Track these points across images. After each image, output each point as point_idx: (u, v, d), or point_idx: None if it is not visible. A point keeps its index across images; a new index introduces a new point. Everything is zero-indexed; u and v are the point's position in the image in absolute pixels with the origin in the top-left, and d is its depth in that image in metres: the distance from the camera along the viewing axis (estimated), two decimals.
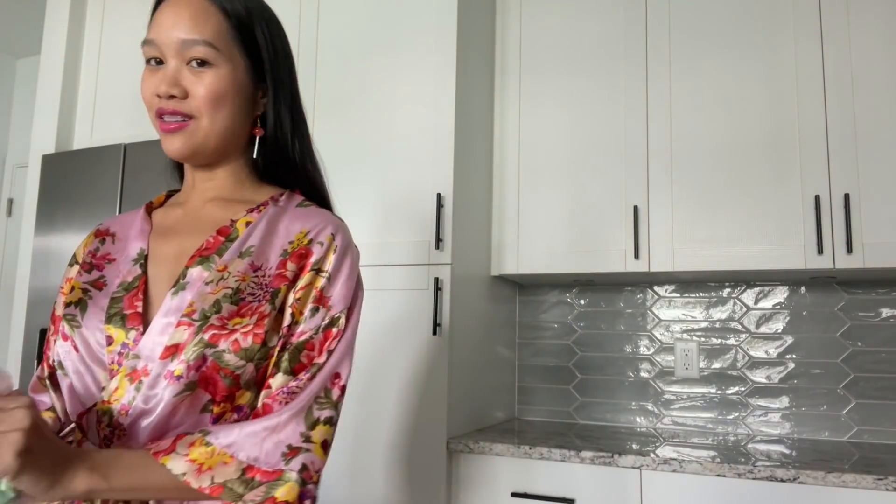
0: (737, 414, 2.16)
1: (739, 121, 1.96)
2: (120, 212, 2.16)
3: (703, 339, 2.23)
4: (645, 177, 2.03)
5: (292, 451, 0.75)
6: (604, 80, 2.12)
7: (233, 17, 0.84)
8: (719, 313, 2.22)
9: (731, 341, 2.19)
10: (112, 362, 0.78)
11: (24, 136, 3.50)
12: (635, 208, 2.01)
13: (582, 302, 2.39)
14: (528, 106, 2.22)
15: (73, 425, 0.78)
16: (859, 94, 1.85)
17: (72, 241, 2.22)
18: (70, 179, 2.28)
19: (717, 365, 2.20)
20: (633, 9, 2.11)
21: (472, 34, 2.09)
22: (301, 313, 0.81)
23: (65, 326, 0.82)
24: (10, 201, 3.59)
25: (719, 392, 2.18)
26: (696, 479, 1.62)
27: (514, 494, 1.76)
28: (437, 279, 1.85)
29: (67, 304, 0.84)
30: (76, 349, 0.80)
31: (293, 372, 0.79)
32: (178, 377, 0.75)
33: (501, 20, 2.30)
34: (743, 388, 2.16)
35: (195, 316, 0.77)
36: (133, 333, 0.78)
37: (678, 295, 2.28)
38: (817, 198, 1.84)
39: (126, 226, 0.93)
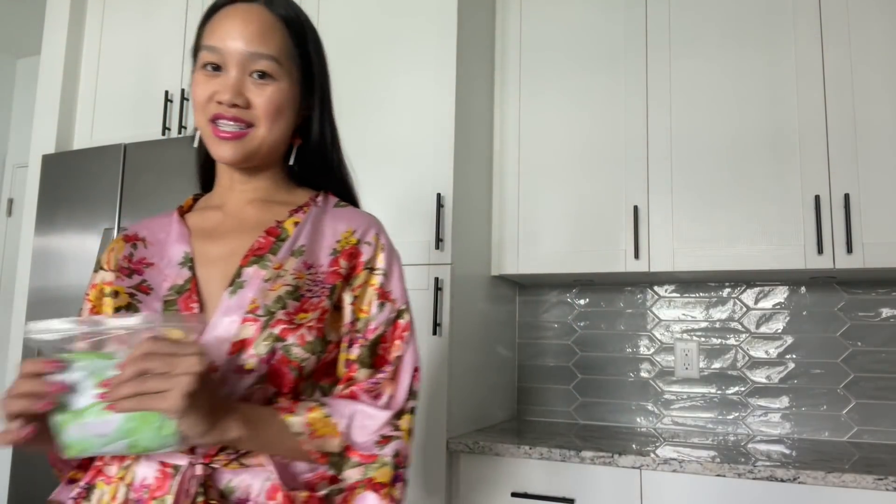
0: (737, 414, 2.16)
1: (739, 121, 1.96)
2: (120, 212, 2.16)
3: (703, 339, 2.23)
4: (645, 177, 2.03)
5: (385, 440, 0.83)
6: (604, 80, 2.12)
7: (293, 34, 0.88)
8: (719, 313, 2.22)
9: (731, 341, 2.19)
10: None
11: (24, 136, 3.50)
12: (635, 208, 2.01)
13: (582, 302, 2.39)
14: (528, 106, 2.22)
15: None
16: (859, 94, 1.85)
17: (72, 241, 2.22)
18: (70, 179, 2.28)
19: (717, 365, 2.20)
20: (634, 9, 2.11)
21: (472, 33, 2.09)
22: (362, 310, 0.88)
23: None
24: (10, 201, 3.59)
25: (719, 392, 2.19)
26: (696, 479, 1.62)
27: (514, 494, 1.76)
28: (437, 279, 1.85)
29: (117, 309, 0.85)
30: None
31: (373, 365, 0.87)
32: (250, 371, 0.78)
33: (501, 19, 2.30)
34: (743, 388, 2.16)
35: (259, 312, 0.80)
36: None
37: (678, 295, 2.28)
38: (817, 198, 1.84)
39: (155, 230, 0.94)
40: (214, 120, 0.84)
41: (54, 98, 2.52)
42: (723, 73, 2.00)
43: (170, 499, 0.76)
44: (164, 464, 0.79)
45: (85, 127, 2.54)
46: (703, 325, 2.23)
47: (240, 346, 0.79)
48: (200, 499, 0.76)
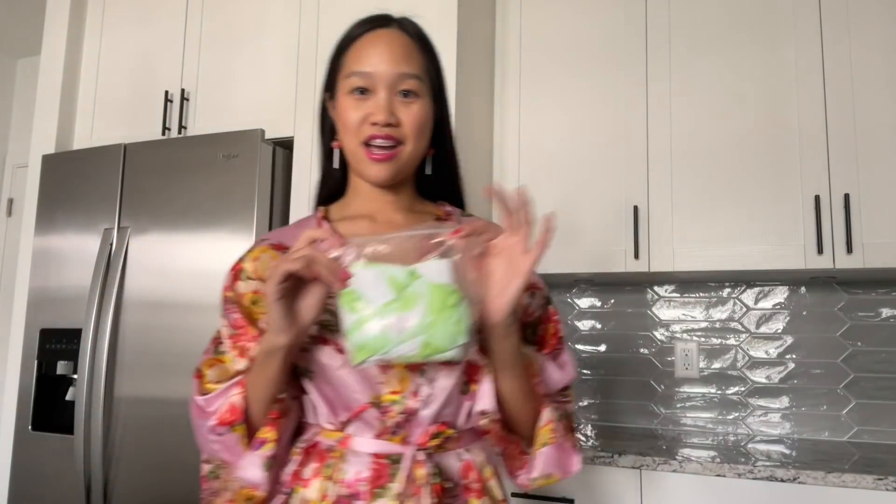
0: (737, 414, 2.16)
1: (739, 121, 1.96)
2: (120, 212, 2.16)
3: (703, 339, 2.23)
4: (645, 177, 2.03)
5: (564, 401, 0.96)
6: (604, 81, 2.12)
7: (426, 51, 0.95)
8: (719, 313, 2.22)
9: (731, 341, 2.19)
10: None
11: (24, 136, 3.50)
12: (635, 208, 2.01)
13: (582, 302, 2.39)
14: (528, 106, 2.22)
15: None
16: (859, 94, 1.85)
17: (72, 241, 2.22)
18: (70, 179, 2.27)
19: (717, 365, 2.20)
20: (634, 9, 2.11)
21: (472, 34, 2.09)
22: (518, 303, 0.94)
23: (324, 332, 0.86)
24: (10, 201, 3.59)
25: (719, 392, 2.18)
26: (696, 479, 1.62)
27: (514, 494, 1.76)
28: None
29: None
30: (341, 351, 0.85)
31: (536, 342, 0.96)
32: (453, 365, 0.84)
33: (501, 20, 2.29)
34: (743, 388, 2.16)
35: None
36: None
37: (678, 295, 2.28)
38: (817, 198, 1.84)
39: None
40: (368, 143, 0.89)
41: (54, 98, 2.52)
42: (723, 73, 2.00)
43: (396, 486, 0.81)
44: (376, 455, 0.84)
45: (85, 127, 2.54)
46: (703, 325, 2.23)
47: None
48: (435, 481, 0.83)
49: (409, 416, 0.84)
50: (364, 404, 0.85)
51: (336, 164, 0.98)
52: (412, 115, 0.90)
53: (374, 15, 0.96)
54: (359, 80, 0.89)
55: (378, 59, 0.89)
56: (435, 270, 0.75)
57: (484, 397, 0.85)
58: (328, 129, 0.99)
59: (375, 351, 0.73)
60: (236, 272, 0.93)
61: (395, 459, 0.84)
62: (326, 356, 0.85)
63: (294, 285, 0.76)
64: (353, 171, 0.96)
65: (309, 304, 0.78)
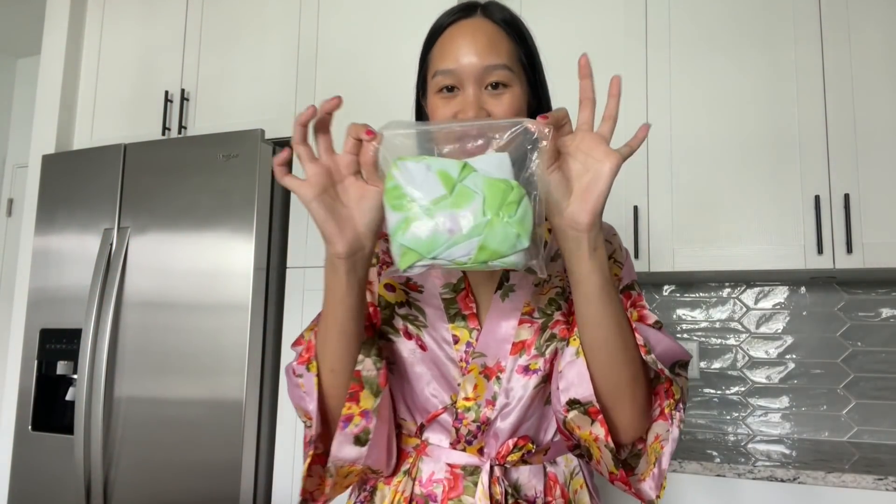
0: (737, 414, 2.16)
1: (739, 121, 1.96)
2: (120, 212, 2.16)
3: (703, 339, 2.23)
4: (645, 177, 2.03)
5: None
6: (604, 81, 2.12)
7: (516, 36, 0.89)
8: (719, 313, 2.22)
9: (731, 341, 2.19)
10: (461, 360, 0.82)
11: (24, 136, 3.50)
12: (635, 208, 2.01)
13: None
14: None
15: None
16: (859, 94, 1.85)
17: (72, 241, 2.22)
18: (70, 179, 2.27)
19: (717, 365, 2.20)
20: (634, 9, 2.11)
21: None
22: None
23: (408, 326, 0.83)
24: (10, 201, 3.59)
25: (719, 392, 2.19)
26: (696, 478, 1.62)
27: None
28: None
29: (400, 304, 0.85)
30: (423, 348, 0.82)
31: None
32: (535, 370, 0.81)
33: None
34: (743, 388, 2.16)
35: (535, 315, 0.83)
36: (475, 333, 0.82)
37: (678, 295, 2.28)
38: (817, 198, 1.84)
39: None
40: None
41: (54, 98, 2.52)
42: (723, 73, 2.00)
43: (470, 500, 0.78)
44: (451, 465, 0.81)
45: (85, 127, 2.54)
46: (703, 325, 2.23)
47: (520, 346, 0.81)
48: (512, 500, 0.79)
49: (484, 425, 0.81)
50: (441, 408, 0.82)
51: None
52: (503, 107, 0.83)
53: (460, 3, 0.89)
54: (444, 78, 0.84)
55: (461, 54, 0.83)
56: (493, 164, 0.66)
57: (574, 381, 0.76)
58: None
59: (424, 254, 0.63)
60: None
61: (470, 471, 0.81)
62: (408, 351, 0.82)
63: (329, 183, 0.69)
64: None
65: (361, 205, 0.70)
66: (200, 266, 2.00)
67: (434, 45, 0.88)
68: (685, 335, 2.25)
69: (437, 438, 0.83)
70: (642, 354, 0.76)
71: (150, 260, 2.08)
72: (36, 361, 2.20)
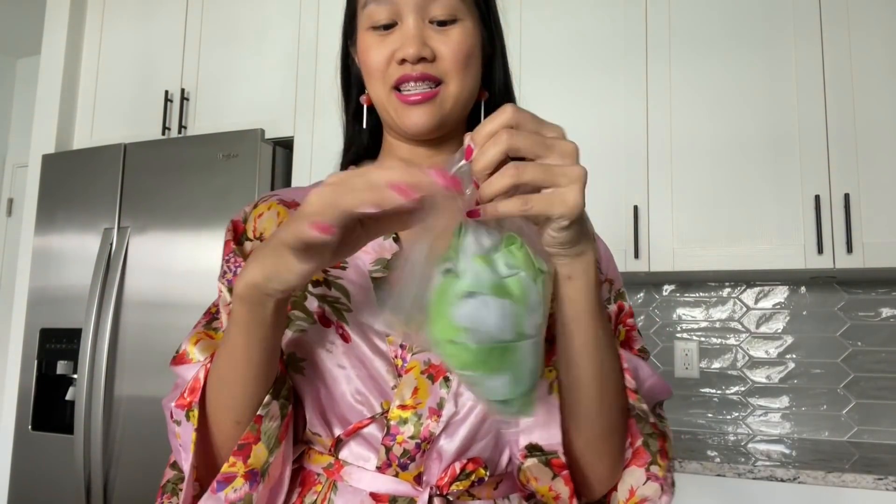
0: (737, 414, 2.16)
1: (739, 121, 1.96)
2: (120, 212, 2.16)
3: (703, 339, 2.23)
4: (645, 177, 2.03)
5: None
6: (604, 80, 2.12)
7: None
8: (719, 313, 2.22)
9: (731, 341, 2.19)
10: (395, 356, 0.64)
11: (24, 136, 3.50)
12: (635, 208, 2.01)
13: None
14: (527, 106, 2.21)
15: None
16: (859, 94, 1.85)
17: (72, 241, 2.22)
18: (70, 179, 2.27)
19: (717, 365, 2.20)
20: (634, 9, 2.11)
21: None
22: None
23: (325, 308, 0.64)
24: (10, 201, 3.59)
25: (719, 392, 2.19)
26: (696, 479, 1.62)
27: None
28: None
29: (316, 283, 0.66)
30: (346, 339, 0.64)
31: None
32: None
33: (502, 20, 2.29)
34: (743, 388, 2.16)
35: None
36: None
37: (678, 295, 2.28)
38: (817, 198, 1.84)
39: None
40: (398, 86, 0.67)
41: (54, 98, 2.52)
42: (723, 73, 2.00)
43: None
44: (375, 496, 0.62)
45: (85, 127, 2.54)
46: (703, 325, 2.23)
47: None
48: None
49: (425, 443, 0.61)
50: (366, 418, 0.63)
51: (365, 124, 0.76)
52: (452, 43, 0.67)
53: None
54: (378, 9, 0.67)
55: None
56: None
57: (539, 421, 0.61)
58: (354, 84, 0.78)
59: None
60: (237, 231, 0.72)
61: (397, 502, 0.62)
62: (326, 343, 0.64)
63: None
64: (387, 128, 0.74)
65: (362, 236, 0.52)
66: (200, 266, 2.00)
67: None
68: (685, 335, 2.25)
69: (357, 458, 0.63)
70: (630, 400, 0.63)
71: (150, 260, 2.08)
72: (36, 361, 2.20)
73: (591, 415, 0.61)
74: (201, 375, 0.61)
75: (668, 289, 2.29)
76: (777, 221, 1.89)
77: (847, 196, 1.81)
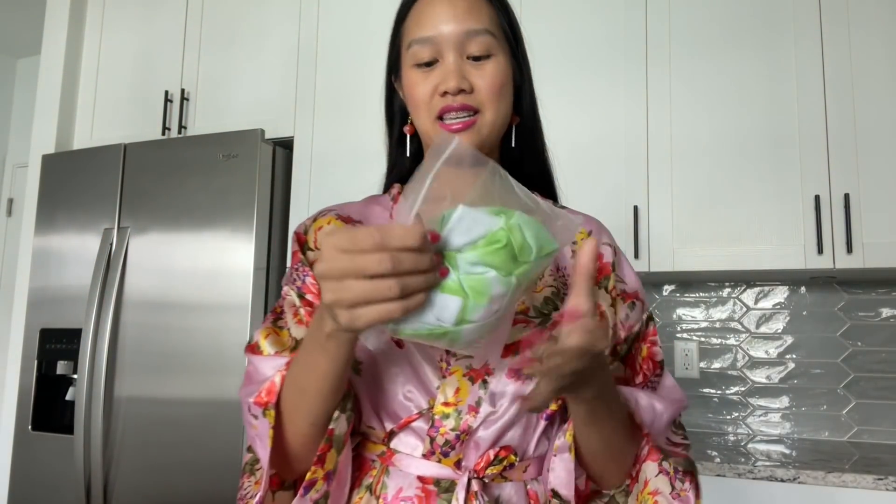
0: (737, 414, 2.16)
1: (739, 121, 1.96)
2: (120, 212, 2.16)
3: (703, 339, 2.23)
4: (645, 177, 2.03)
5: (675, 444, 0.84)
6: (604, 81, 2.12)
7: (497, 4, 0.82)
8: (719, 313, 2.22)
9: (731, 341, 2.19)
10: (440, 360, 0.74)
11: (24, 136, 3.50)
12: (635, 208, 2.01)
13: None
14: None
15: None
16: (859, 94, 1.85)
17: (72, 241, 2.22)
18: (70, 179, 2.27)
19: (717, 365, 2.20)
20: (633, 9, 2.11)
21: None
22: (616, 311, 0.81)
23: None
24: (10, 201, 3.59)
25: (719, 392, 2.19)
26: None
27: None
28: None
29: None
30: (400, 345, 0.73)
31: (624, 362, 0.81)
32: (528, 374, 0.72)
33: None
34: (743, 388, 2.16)
35: (531, 314, 0.76)
36: None
37: (678, 295, 2.28)
38: (817, 198, 1.84)
39: (370, 218, 0.85)
40: (441, 116, 0.77)
41: (54, 98, 2.52)
42: (723, 73, 2.00)
43: None
44: (422, 479, 0.72)
45: (85, 127, 2.54)
46: (703, 325, 2.23)
47: (514, 348, 0.73)
48: None
49: (464, 435, 0.72)
50: (414, 413, 0.73)
51: (409, 152, 0.86)
52: (487, 77, 0.77)
53: None
54: (421, 48, 0.77)
55: (440, 20, 0.77)
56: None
57: (561, 476, 0.71)
58: (398, 114, 0.89)
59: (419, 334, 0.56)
60: (300, 242, 0.81)
61: (444, 487, 0.72)
62: (384, 349, 0.74)
63: None
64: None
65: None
66: (200, 266, 2.00)
67: (408, 16, 0.81)
68: (685, 335, 2.25)
69: (407, 447, 0.74)
70: (644, 441, 0.75)
71: (150, 260, 2.08)
72: (36, 361, 2.20)
73: (606, 468, 0.75)
74: (277, 380, 0.68)
75: (668, 289, 2.29)
76: (777, 221, 1.89)
77: (847, 196, 1.81)
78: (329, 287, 0.52)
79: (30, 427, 2.16)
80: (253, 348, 0.75)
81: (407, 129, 0.86)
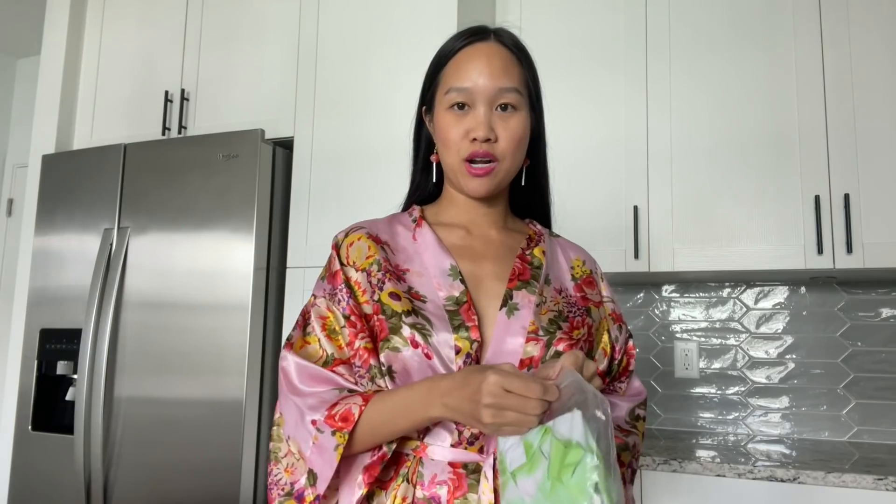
0: (737, 414, 2.16)
1: (739, 121, 1.96)
2: (120, 212, 2.16)
3: (703, 339, 2.23)
4: (645, 177, 2.03)
5: (625, 431, 0.97)
6: (604, 80, 2.12)
7: (524, 62, 0.94)
8: (719, 313, 2.22)
9: (731, 341, 2.19)
10: (459, 369, 0.85)
11: (24, 136, 3.50)
12: (635, 208, 2.01)
13: None
14: None
15: None
16: (859, 94, 1.85)
17: (72, 241, 2.22)
18: (70, 179, 2.27)
19: (717, 365, 2.20)
20: (634, 9, 2.11)
21: None
22: (608, 332, 0.97)
23: (415, 335, 0.85)
24: (10, 201, 3.59)
25: (719, 392, 2.18)
26: (696, 479, 1.62)
27: None
28: None
29: (407, 313, 0.86)
30: (428, 356, 0.84)
31: (610, 374, 0.98)
32: None
33: (501, 20, 2.29)
34: (743, 388, 2.16)
35: (539, 333, 0.87)
36: (475, 345, 0.85)
37: (678, 295, 2.28)
38: (817, 198, 1.84)
39: (395, 236, 0.96)
40: (471, 159, 0.90)
41: (54, 98, 2.52)
42: (723, 73, 2.00)
43: (475, 497, 0.81)
44: (453, 465, 0.83)
45: (85, 127, 2.54)
46: (703, 325, 2.23)
47: (527, 363, 0.85)
48: None
49: (480, 436, 0.84)
50: None
51: (434, 179, 1.00)
52: (510, 130, 0.90)
53: (471, 27, 0.96)
54: (458, 95, 0.90)
55: (477, 74, 0.90)
56: (566, 423, 0.69)
57: None
58: (424, 142, 1.01)
59: None
60: (335, 260, 0.93)
61: (472, 469, 0.83)
62: (414, 360, 0.84)
63: None
64: (449, 182, 0.98)
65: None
66: (200, 266, 2.00)
67: (448, 64, 0.94)
68: (685, 335, 2.25)
69: (436, 439, 0.85)
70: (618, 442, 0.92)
71: (150, 260, 2.08)
72: (36, 361, 2.20)
73: None
74: (355, 413, 0.82)
75: (668, 289, 2.29)
76: (777, 221, 1.89)
77: (847, 196, 1.81)
78: (490, 413, 0.72)
79: (30, 427, 2.16)
80: (289, 346, 0.89)
81: (433, 157, 0.99)
